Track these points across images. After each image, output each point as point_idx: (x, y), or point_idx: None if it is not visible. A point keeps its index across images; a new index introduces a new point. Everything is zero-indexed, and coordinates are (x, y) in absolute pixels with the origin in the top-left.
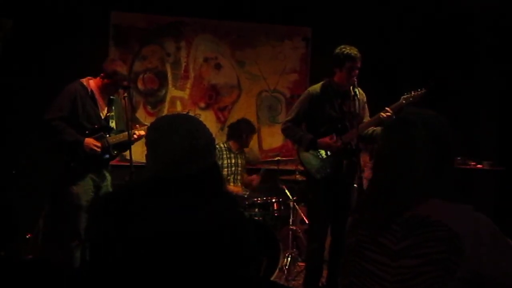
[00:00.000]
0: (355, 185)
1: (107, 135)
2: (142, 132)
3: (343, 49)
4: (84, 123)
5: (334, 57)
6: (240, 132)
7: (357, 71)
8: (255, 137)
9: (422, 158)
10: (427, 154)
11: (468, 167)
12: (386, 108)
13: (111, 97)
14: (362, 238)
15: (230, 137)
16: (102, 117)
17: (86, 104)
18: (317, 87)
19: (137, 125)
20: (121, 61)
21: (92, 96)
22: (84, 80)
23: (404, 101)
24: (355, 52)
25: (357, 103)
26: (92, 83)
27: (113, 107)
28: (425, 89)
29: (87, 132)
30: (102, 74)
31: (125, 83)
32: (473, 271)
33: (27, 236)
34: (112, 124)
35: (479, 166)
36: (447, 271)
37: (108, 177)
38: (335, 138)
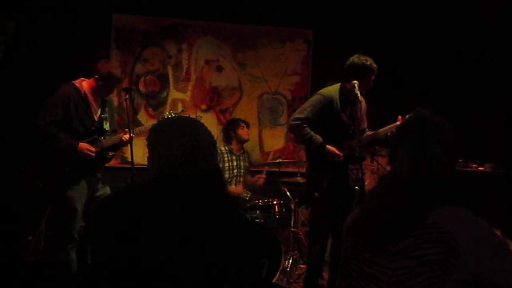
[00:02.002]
0: (356, 187)
1: (101, 138)
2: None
3: (364, 61)
4: (78, 127)
5: (353, 66)
6: (228, 133)
7: None
8: (256, 137)
9: (440, 176)
10: (443, 172)
11: (470, 169)
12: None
13: (104, 98)
14: (359, 241)
15: (226, 141)
16: (96, 119)
17: (79, 107)
18: (334, 92)
19: (126, 129)
20: (116, 63)
21: (85, 98)
22: (77, 82)
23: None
24: (375, 65)
25: (360, 109)
26: (85, 84)
27: (106, 108)
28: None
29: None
30: (96, 76)
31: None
32: (471, 272)
33: (29, 238)
34: (106, 125)
35: (480, 168)
36: (444, 272)
37: (104, 181)
38: (342, 153)
